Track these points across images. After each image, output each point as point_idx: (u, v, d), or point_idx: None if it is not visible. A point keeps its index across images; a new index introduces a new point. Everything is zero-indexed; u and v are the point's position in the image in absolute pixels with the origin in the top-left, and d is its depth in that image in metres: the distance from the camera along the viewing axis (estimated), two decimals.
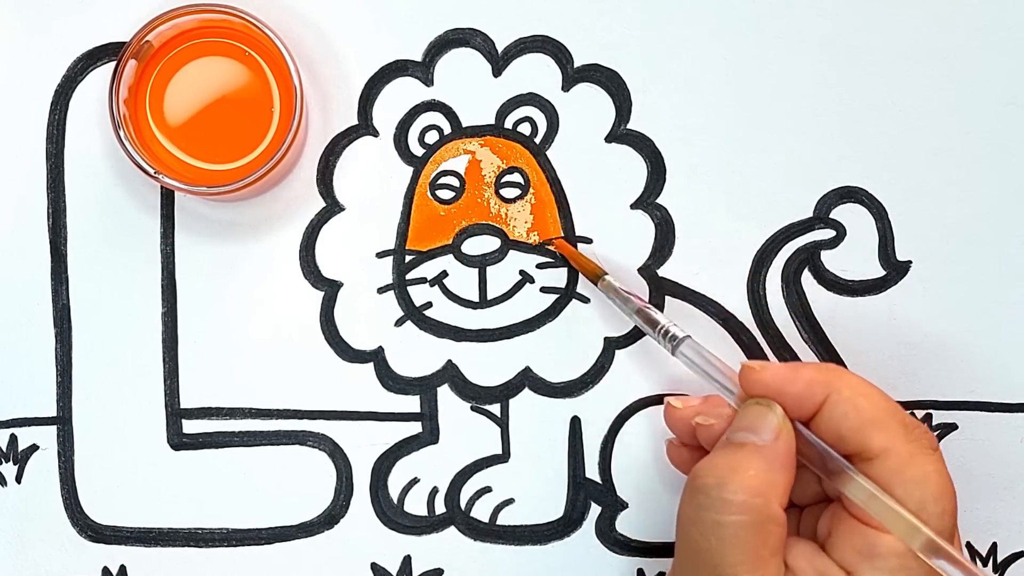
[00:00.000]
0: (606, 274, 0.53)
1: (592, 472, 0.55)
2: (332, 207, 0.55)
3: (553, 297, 0.55)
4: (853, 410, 0.46)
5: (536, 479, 0.55)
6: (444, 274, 0.55)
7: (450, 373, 0.55)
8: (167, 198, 0.55)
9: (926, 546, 0.44)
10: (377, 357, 0.55)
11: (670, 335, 0.50)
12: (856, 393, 0.46)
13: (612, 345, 0.55)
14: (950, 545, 0.44)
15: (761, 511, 0.45)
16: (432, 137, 0.55)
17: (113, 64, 0.52)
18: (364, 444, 0.55)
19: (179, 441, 0.55)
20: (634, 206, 0.55)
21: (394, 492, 0.55)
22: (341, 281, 0.55)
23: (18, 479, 0.55)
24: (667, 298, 0.55)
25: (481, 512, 0.55)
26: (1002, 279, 0.55)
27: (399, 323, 0.55)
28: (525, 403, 0.55)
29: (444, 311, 0.55)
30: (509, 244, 0.55)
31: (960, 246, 0.55)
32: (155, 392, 0.55)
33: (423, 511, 0.55)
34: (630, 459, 0.55)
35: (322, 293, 0.55)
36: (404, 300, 0.55)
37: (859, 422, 0.45)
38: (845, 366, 0.55)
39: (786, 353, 0.55)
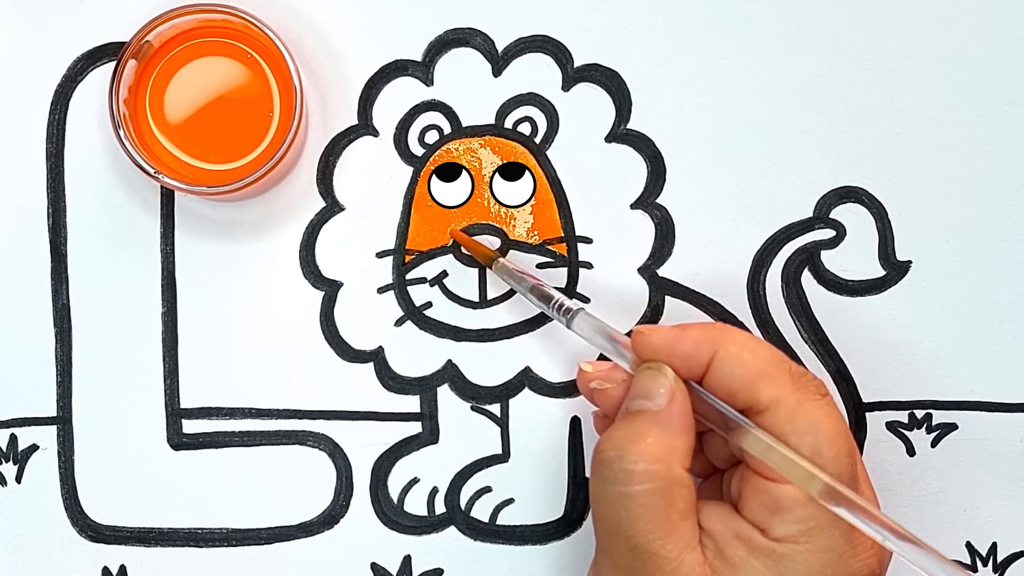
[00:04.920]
0: (499, 256, 0.53)
1: None
2: (332, 207, 0.55)
3: None
4: (739, 365, 0.46)
5: (536, 479, 0.55)
6: (444, 274, 0.55)
7: (450, 373, 0.55)
8: (167, 198, 0.55)
9: (824, 491, 0.44)
10: (377, 357, 0.55)
11: (564, 308, 0.51)
12: (742, 348, 0.46)
13: None
14: (847, 488, 0.44)
15: (664, 477, 0.45)
16: (432, 137, 0.55)
17: (113, 64, 0.52)
18: (364, 444, 0.55)
19: (179, 441, 0.55)
20: (634, 206, 0.55)
21: (394, 492, 0.55)
22: (341, 281, 0.55)
23: (18, 479, 0.55)
24: (667, 298, 0.55)
25: (481, 512, 0.55)
26: (1002, 279, 0.55)
27: (399, 323, 0.55)
28: (525, 403, 0.55)
29: (444, 311, 0.55)
30: (509, 244, 0.55)
31: (960, 246, 0.55)
32: (155, 392, 0.55)
33: (423, 511, 0.55)
34: None
35: (322, 293, 0.55)
36: (404, 300, 0.55)
37: (746, 376, 0.46)
38: (845, 366, 0.55)
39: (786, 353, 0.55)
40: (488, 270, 0.54)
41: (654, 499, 0.45)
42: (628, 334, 0.49)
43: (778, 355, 0.47)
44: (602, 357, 0.52)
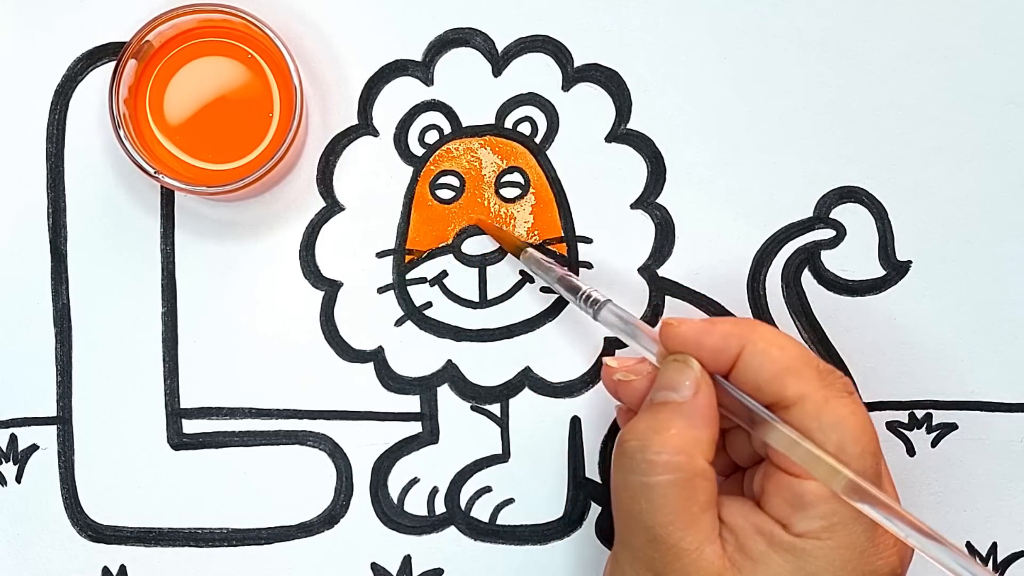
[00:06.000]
0: (528, 246, 0.53)
1: (592, 472, 0.55)
2: (332, 207, 0.55)
3: (553, 297, 0.55)
4: (768, 360, 0.46)
5: (536, 479, 0.55)
6: (444, 274, 0.55)
7: (450, 373, 0.55)
8: (167, 198, 0.55)
9: (848, 487, 0.44)
10: (377, 357, 0.55)
11: (591, 299, 0.51)
12: (770, 344, 0.46)
13: (612, 345, 0.55)
14: (871, 485, 0.44)
15: (686, 468, 0.45)
16: (432, 137, 0.55)
17: (113, 64, 0.52)
18: (364, 444, 0.55)
19: (179, 441, 0.55)
20: (634, 206, 0.55)
21: (394, 492, 0.55)
22: (341, 281, 0.55)
23: (18, 479, 0.55)
24: (667, 298, 0.55)
25: (481, 512, 0.55)
26: (1002, 279, 0.55)
27: (399, 323, 0.55)
28: (525, 403, 0.55)
29: (444, 311, 0.55)
30: None
31: (960, 246, 0.55)
32: (155, 392, 0.55)
33: (423, 511, 0.55)
34: None
35: (322, 293, 0.55)
36: (404, 300, 0.55)
37: (774, 371, 0.46)
38: (845, 366, 0.55)
39: None
40: (516, 259, 0.54)
41: (675, 490, 0.45)
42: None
43: (805, 352, 0.47)
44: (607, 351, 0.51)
